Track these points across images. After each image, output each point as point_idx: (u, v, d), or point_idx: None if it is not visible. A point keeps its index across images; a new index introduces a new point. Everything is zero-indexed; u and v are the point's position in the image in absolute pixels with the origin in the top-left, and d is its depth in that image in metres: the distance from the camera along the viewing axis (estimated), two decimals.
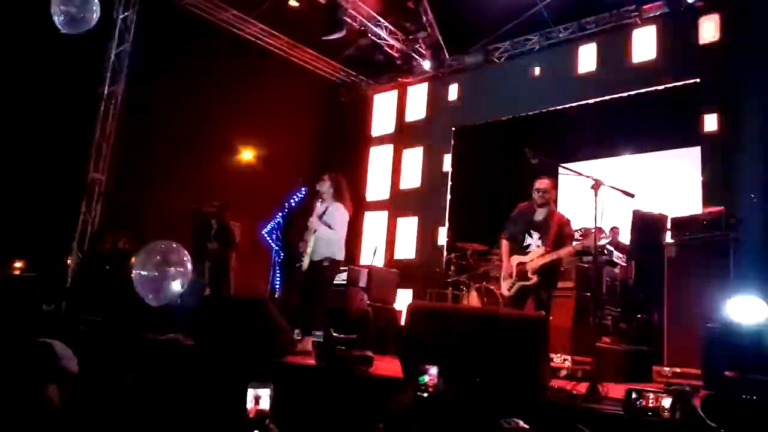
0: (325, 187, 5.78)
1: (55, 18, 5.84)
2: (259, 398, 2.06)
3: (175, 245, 5.51)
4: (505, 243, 5.22)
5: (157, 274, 5.23)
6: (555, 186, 5.17)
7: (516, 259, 5.00)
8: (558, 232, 4.89)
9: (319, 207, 5.79)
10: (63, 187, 8.77)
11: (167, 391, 3.89)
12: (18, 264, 8.59)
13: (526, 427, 1.87)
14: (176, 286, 5.34)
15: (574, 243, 5.01)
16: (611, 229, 7.97)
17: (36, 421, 1.76)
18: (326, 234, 5.59)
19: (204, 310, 5.36)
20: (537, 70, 9.69)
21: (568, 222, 5.02)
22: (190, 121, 9.19)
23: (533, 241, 4.95)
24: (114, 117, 9.41)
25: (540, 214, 5.03)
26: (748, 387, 2.91)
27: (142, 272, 5.34)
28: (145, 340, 5.20)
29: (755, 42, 7.43)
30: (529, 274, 4.83)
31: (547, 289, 4.91)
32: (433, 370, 2.80)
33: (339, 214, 5.66)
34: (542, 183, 5.03)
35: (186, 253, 5.44)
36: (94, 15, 5.98)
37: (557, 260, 4.90)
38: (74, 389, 2.51)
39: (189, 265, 5.42)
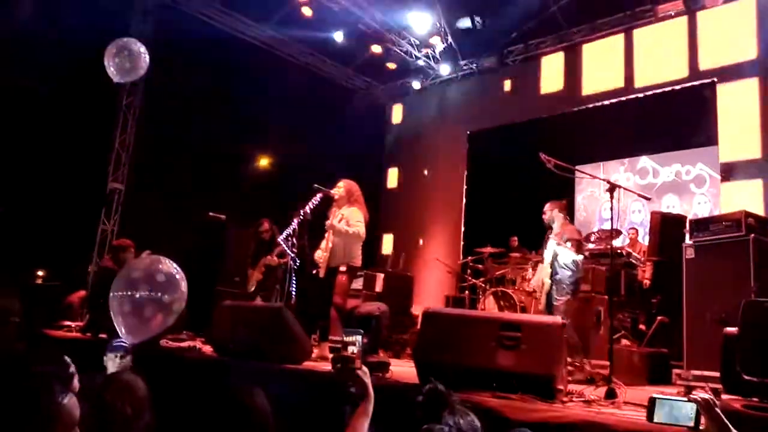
0: (340, 192, 5.80)
1: (109, 70, 6.14)
2: (348, 344, 2.12)
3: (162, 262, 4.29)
4: (539, 267, 5.90)
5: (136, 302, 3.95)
6: (557, 206, 5.78)
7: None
8: (561, 232, 5.57)
9: (335, 213, 5.81)
10: (83, 196, 8.92)
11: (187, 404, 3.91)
12: (40, 273, 8.73)
13: None
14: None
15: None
16: (629, 230, 7.91)
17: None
18: (343, 239, 5.61)
19: (221, 318, 5.39)
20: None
21: (572, 229, 5.67)
22: (207, 130, 9.29)
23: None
24: (132, 127, 9.55)
25: (553, 230, 5.69)
26: None
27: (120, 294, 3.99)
28: (164, 350, 5.24)
29: None
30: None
31: (557, 289, 5.41)
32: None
33: (355, 219, 5.68)
34: (544, 208, 5.83)
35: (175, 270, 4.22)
36: (144, 63, 6.26)
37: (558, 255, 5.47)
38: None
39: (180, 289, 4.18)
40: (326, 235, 5.75)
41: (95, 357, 4.08)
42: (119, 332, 3.99)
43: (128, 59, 6.18)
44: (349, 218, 5.66)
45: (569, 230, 5.59)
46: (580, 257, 5.43)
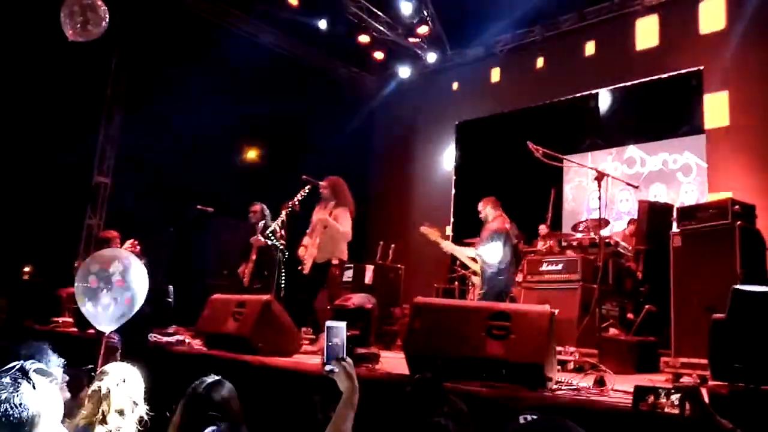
0: (326, 193, 5.90)
1: (66, 27, 5.86)
2: (332, 336, 2.09)
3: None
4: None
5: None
6: (489, 202, 6.25)
7: None
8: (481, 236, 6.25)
9: (322, 211, 5.89)
10: (69, 191, 8.81)
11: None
12: (27, 269, 8.63)
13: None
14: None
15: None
16: (629, 221, 7.89)
17: None
18: (332, 236, 5.72)
19: (210, 311, 5.37)
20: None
21: (494, 224, 6.07)
22: (194, 122, 9.20)
23: None
24: (117, 120, 9.45)
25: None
26: (757, 377, 2.89)
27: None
28: (154, 345, 5.21)
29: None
30: None
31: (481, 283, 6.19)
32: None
33: (344, 216, 5.81)
34: (478, 207, 6.30)
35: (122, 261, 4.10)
36: (103, 24, 6.00)
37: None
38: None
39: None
40: (312, 228, 5.82)
41: (83, 352, 4.06)
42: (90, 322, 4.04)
43: (91, 18, 5.95)
44: (339, 217, 5.79)
45: (490, 226, 6.10)
46: (495, 252, 5.93)
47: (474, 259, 6.60)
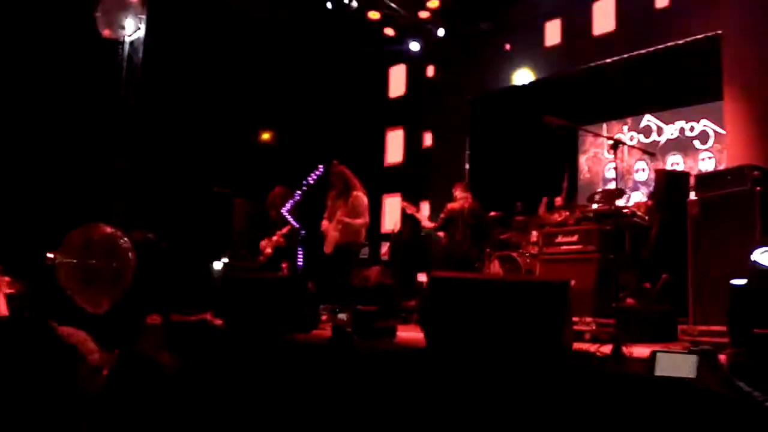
0: (336, 182, 6.06)
1: (100, 26, 5.96)
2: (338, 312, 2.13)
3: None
4: None
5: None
6: (458, 187, 7.48)
7: None
8: None
9: (335, 201, 6.03)
10: (88, 176, 8.91)
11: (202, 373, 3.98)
12: (51, 255, 8.80)
13: None
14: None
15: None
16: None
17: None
18: (355, 222, 5.91)
19: (230, 290, 5.45)
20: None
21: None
22: (209, 103, 9.23)
23: None
24: (134, 103, 9.47)
25: None
26: None
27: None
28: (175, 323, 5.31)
29: None
30: None
31: None
32: None
33: (359, 204, 6.00)
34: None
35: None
36: (140, 24, 6.09)
37: None
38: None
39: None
40: (329, 213, 5.96)
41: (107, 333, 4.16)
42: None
43: (133, 16, 6.06)
44: (355, 207, 5.97)
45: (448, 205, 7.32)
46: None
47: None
